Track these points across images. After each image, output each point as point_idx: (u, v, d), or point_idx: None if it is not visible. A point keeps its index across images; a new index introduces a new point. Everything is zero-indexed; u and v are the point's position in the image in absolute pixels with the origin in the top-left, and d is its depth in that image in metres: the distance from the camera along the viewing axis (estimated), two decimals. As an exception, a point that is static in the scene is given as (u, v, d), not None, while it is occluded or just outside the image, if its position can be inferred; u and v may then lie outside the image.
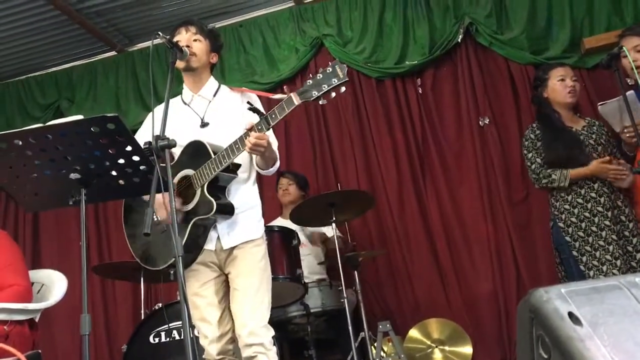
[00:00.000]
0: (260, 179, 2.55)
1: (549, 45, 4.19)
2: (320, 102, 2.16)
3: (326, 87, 2.10)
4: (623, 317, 1.07)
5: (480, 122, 4.26)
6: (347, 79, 2.10)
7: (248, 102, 2.24)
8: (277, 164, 2.47)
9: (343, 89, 2.13)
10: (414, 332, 3.92)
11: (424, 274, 4.19)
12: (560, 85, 3.19)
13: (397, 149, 4.40)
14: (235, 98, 2.56)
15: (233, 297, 2.36)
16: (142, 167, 1.96)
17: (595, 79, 4.08)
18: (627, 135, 2.91)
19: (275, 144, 2.44)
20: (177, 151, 2.42)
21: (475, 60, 4.35)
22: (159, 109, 2.45)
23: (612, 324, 1.05)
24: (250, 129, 2.20)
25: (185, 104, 2.56)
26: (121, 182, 2.03)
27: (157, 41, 2.22)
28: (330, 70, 2.11)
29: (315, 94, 2.12)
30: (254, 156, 2.44)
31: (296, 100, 2.13)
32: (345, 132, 4.52)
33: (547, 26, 4.22)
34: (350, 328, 3.28)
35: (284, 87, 4.60)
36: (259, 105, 2.43)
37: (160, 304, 3.29)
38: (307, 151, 4.58)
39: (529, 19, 4.21)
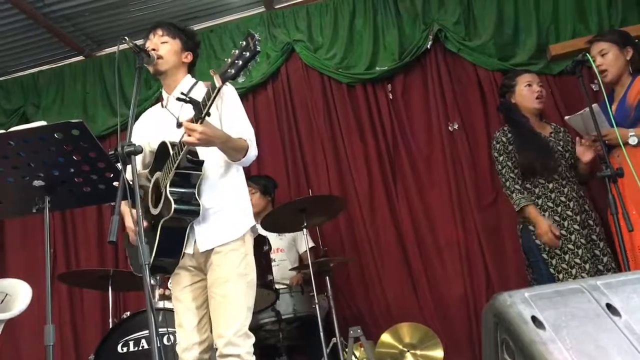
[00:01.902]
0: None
1: (516, 52, 4.25)
2: (240, 80, 2.08)
3: (241, 62, 2.03)
4: (585, 321, 1.09)
5: (449, 128, 4.30)
6: (258, 50, 2.02)
7: (181, 93, 2.14)
8: (251, 153, 2.35)
9: (257, 59, 2.05)
10: (385, 337, 3.92)
11: (395, 279, 4.21)
12: (527, 91, 3.26)
13: (368, 154, 4.41)
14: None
15: (210, 306, 2.31)
16: (107, 174, 1.93)
17: (561, 85, 4.16)
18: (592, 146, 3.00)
19: (244, 133, 2.35)
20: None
21: (445, 66, 4.39)
22: (144, 115, 2.45)
23: (574, 327, 1.07)
24: (190, 121, 2.13)
25: (163, 107, 2.53)
26: (86, 189, 2.00)
27: (123, 46, 2.20)
28: (243, 44, 2.05)
29: (232, 72, 2.04)
30: None
31: (218, 82, 2.06)
32: (317, 137, 4.52)
33: (514, 33, 4.29)
34: (321, 334, 3.27)
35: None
36: (236, 96, 2.42)
37: (128, 313, 3.24)
38: (278, 156, 4.57)
39: (497, 26, 4.28)
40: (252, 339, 2.29)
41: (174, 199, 2.20)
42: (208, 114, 2.11)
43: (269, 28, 4.68)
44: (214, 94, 2.07)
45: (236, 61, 2.04)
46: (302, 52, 4.56)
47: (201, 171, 2.31)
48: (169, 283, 3.09)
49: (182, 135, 2.17)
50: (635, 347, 1.04)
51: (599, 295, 1.13)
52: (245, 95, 4.55)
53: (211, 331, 2.32)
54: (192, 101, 2.11)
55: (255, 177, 4.23)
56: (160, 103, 2.57)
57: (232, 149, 2.29)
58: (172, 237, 2.28)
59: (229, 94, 2.44)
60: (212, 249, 2.32)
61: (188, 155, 2.23)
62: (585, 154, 3.06)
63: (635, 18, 4.15)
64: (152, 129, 2.49)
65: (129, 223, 2.33)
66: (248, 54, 2.02)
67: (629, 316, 1.08)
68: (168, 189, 2.23)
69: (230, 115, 2.41)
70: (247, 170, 2.61)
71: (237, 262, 2.32)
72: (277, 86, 4.68)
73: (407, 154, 4.38)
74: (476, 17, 4.37)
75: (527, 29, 4.26)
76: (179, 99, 2.14)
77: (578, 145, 3.09)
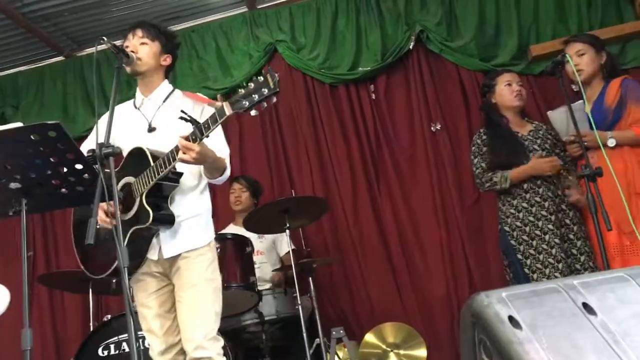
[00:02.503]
0: (213, 185, 2.50)
1: (497, 53, 4.28)
2: (252, 113, 2.09)
3: (257, 97, 2.04)
4: (561, 320, 1.09)
5: (432, 128, 4.32)
6: (277, 90, 2.04)
7: (182, 111, 2.14)
8: (227, 173, 2.40)
9: (274, 99, 2.07)
10: (369, 337, 3.93)
11: (379, 279, 4.21)
12: (507, 90, 3.29)
13: (351, 154, 4.42)
14: (187, 103, 2.48)
15: (178, 310, 2.32)
16: (85, 176, 1.91)
17: (542, 85, 4.19)
18: (571, 148, 3.03)
19: (223, 152, 2.38)
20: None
21: (427, 66, 4.41)
22: (116, 112, 2.41)
23: (550, 327, 1.07)
24: (186, 139, 2.12)
25: (136, 107, 2.51)
26: (64, 191, 1.97)
27: (101, 46, 2.17)
28: (262, 80, 2.05)
29: (246, 104, 2.05)
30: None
31: (228, 110, 2.06)
32: (300, 137, 4.52)
33: (495, 34, 4.31)
34: (305, 335, 3.27)
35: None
36: (210, 113, 2.40)
37: (109, 316, 3.21)
38: (262, 157, 4.56)
39: (478, 27, 4.31)
40: (221, 342, 2.31)
41: (152, 210, 2.20)
42: (207, 136, 2.12)
43: (251, 28, 4.67)
44: (220, 121, 2.08)
45: (253, 95, 2.04)
46: (285, 52, 4.55)
47: (179, 183, 2.33)
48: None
49: (174, 150, 2.16)
50: (610, 346, 1.04)
51: (575, 294, 1.13)
52: (228, 95, 4.52)
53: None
54: (192, 121, 2.12)
55: (246, 176, 4.22)
56: (132, 102, 2.54)
57: (215, 169, 2.34)
58: (137, 244, 2.28)
59: (211, 112, 2.44)
60: (178, 255, 2.33)
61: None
62: (572, 196, 3.09)
63: (614, 19, 4.21)
64: (122, 128, 2.44)
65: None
66: (267, 91, 2.03)
67: (604, 315, 1.09)
68: (145, 198, 2.23)
69: (212, 134, 2.40)
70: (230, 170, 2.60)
71: (205, 267, 2.34)
72: (260, 86, 4.65)
73: (390, 154, 4.39)
74: (458, 18, 4.39)
75: (508, 30, 4.29)
76: (181, 118, 2.14)
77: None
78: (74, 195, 1.99)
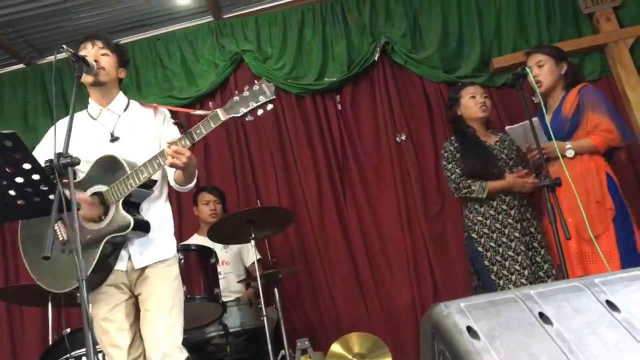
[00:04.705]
0: (178, 194, 2.51)
1: (460, 64, 4.36)
2: (247, 119, 2.15)
3: (254, 104, 2.11)
4: (518, 330, 1.10)
5: (397, 138, 4.36)
6: (274, 97, 2.12)
7: (172, 117, 2.19)
8: (195, 181, 2.44)
9: (270, 106, 2.14)
10: (335, 347, 3.92)
11: (345, 288, 4.22)
12: (471, 102, 3.35)
13: (317, 164, 4.42)
14: (148, 113, 2.50)
15: (144, 319, 2.28)
16: (42, 187, 1.86)
17: (503, 97, 4.28)
18: (531, 156, 3.09)
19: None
20: (84, 167, 2.32)
21: (392, 78, 4.46)
22: (61, 123, 2.36)
23: (507, 337, 1.08)
24: (173, 144, 2.15)
25: (93, 118, 2.47)
26: (20, 202, 1.93)
27: (61, 55, 2.14)
28: (258, 87, 2.12)
29: (242, 110, 2.11)
30: (169, 172, 2.38)
31: (223, 116, 2.12)
32: (266, 147, 4.51)
33: (458, 46, 4.40)
34: (269, 347, 3.24)
35: (210, 103, 4.53)
36: (169, 122, 2.39)
37: (68, 329, 3.12)
38: (227, 167, 4.53)
39: (442, 39, 4.38)
40: (186, 354, 2.30)
41: (131, 215, 2.20)
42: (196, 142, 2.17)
43: (217, 38, 4.64)
44: (215, 127, 2.13)
45: (250, 102, 2.10)
46: (251, 62, 4.54)
47: (153, 191, 2.35)
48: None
49: (158, 156, 2.18)
50: (565, 355, 1.06)
51: (532, 304, 1.15)
52: (193, 104, 4.50)
53: (143, 349, 2.30)
54: (183, 126, 2.20)
55: (215, 187, 4.18)
56: (85, 112, 2.51)
57: (192, 175, 2.37)
58: (110, 253, 2.25)
59: (170, 119, 2.48)
60: (148, 266, 2.32)
61: None
62: (525, 186, 3.15)
63: (573, 33, 4.33)
64: (80, 139, 2.38)
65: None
66: (264, 97, 2.10)
67: (560, 324, 1.11)
68: (121, 205, 2.21)
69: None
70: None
71: (172, 278, 2.36)
72: (226, 96, 4.63)
73: (356, 164, 4.41)
74: (422, 30, 4.46)
75: (470, 43, 4.38)
76: (175, 124, 2.21)
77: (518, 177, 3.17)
78: (31, 207, 1.95)
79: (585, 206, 2.86)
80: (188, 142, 2.15)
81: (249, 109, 2.11)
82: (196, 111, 2.51)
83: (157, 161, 2.18)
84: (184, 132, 2.17)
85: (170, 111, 2.56)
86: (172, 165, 2.17)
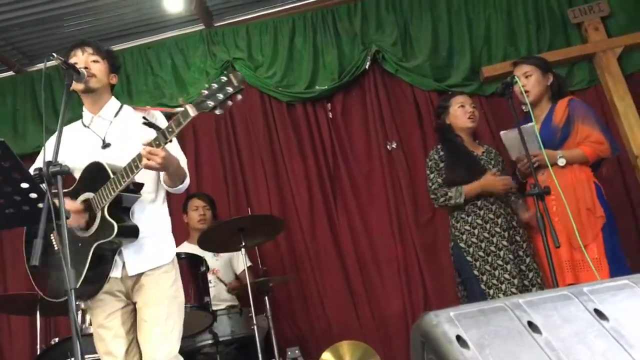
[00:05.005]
0: (167, 200, 2.48)
1: (450, 73, 4.39)
2: (217, 112, 2.06)
3: (222, 96, 2.02)
4: (507, 339, 1.10)
5: (388, 146, 4.37)
6: (242, 87, 2.03)
7: (143, 117, 2.14)
8: (187, 181, 2.39)
9: (239, 97, 2.05)
10: (326, 356, 3.90)
11: (336, 297, 4.21)
12: (460, 111, 3.37)
13: (308, 173, 4.43)
14: (139, 117, 2.45)
15: (140, 328, 2.26)
16: (31, 195, 1.85)
17: (493, 106, 4.31)
18: (521, 165, 3.11)
19: (183, 161, 2.37)
20: (78, 175, 2.34)
21: (383, 86, 4.48)
22: (65, 132, 2.36)
23: (497, 346, 1.08)
24: (148, 145, 2.12)
25: (85, 126, 2.46)
26: (9, 210, 1.91)
27: (51, 62, 2.13)
28: (225, 79, 2.04)
29: (211, 104, 2.02)
30: (161, 175, 2.37)
31: (192, 111, 2.04)
32: (257, 155, 4.51)
33: (448, 55, 4.42)
34: (260, 356, 3.23)
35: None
36: (163, 121, 2.37)
37: (57, 339, 3.10)
38: (218, 174, 4.52)
39: (432, 48, 4.41)
40: None
41: (116, 222, 2.16)
42: (170, 141, 2.11)
43: (208, 46, 4.65)
44: (185, 123, 2.06)
45: (217, 94, 2.02)
46: (242, 70, 4.54)
47: (140, 195, 2.30)
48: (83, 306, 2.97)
49: (135, 159, 2.14)
50: (554, 364, 1.06)
51: (520, 313, 1.15)
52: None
53: (140, 356, 2.26)
54: (154, 126, 2.11)
55: (204, 194, 4.17)
56: (80, 122, 2.50)
57: (177, 175, 2.32)
58: (101, 261, 2.22)
59: (162, 122, 2.42)
60: (142, 273, 2.29)
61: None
62: (524, 215, 3.18)
63: (562, 43, 4.37)
64: (73, 148, 2.40)
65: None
66: (231, 89, 2.02)
67: (548, 333, 1.11)
68: (107, 211, 2.18)
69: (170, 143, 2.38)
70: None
71: (169, 285, 2.32)
72: (217, 103, 4.64)
73: (347, 172, 4.42)
74: (412, 39, 4.49)
75: (461, 52, 4.41)
76: (144, 124, 2.12)
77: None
78: (19, 215, 1.93)
79: (576, 214, 2.89)
80: (161, 142, 2.10)
81: (217, 102, 2.02)
82: (176, 109, 2.47)
83: (135, 164, 2.14)
84: (157, 132, 2.12)
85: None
86: (147, 167, 2.12)
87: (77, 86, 2.34)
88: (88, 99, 2.46)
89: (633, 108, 4.13)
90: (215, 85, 2.04)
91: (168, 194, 2.50)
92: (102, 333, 2.29)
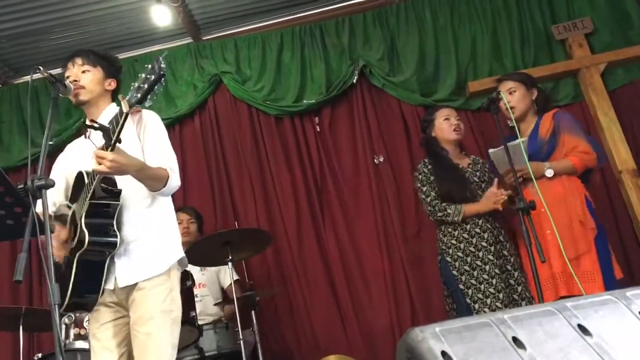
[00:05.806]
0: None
1: (437, 88, 4.43)
2: (147, 105, 1.97)
3: (146, 86, 1.93)
4: (492, 354, 1.11)
5: (375, 161, 4.39)
6: (163, 72, 1.92)
7: (90, 120, 2.04)
8: (173, 184, 2.25)
9: (162, 81, 1.94)
10: (313, 370, 3.89)
11: (323, 311, 4.20)
12: (445, 124, 3.39)
13: (295, 186, 4.43)
14: (131, 121, 2.37)
15: (133, 343, 2.19)
16: (16, 209, 1.84)
17: (479, 120, 4.35)
18: (507, 179, 3.13)
19: (164, 162, 2.26)
20: None
21: (370, 100, 4.51)
22: (68, 148, 2.41)
23: (482, 362, 1.09)
24: (101, 149, 2.03)
25: (86, 137, 2.44)
26: (-7, 224, 1.89)
27: (37, 75, 2.12)
28: (149, 67, 1.95)
29: (138, 96, 1.93)
30: None
31: (125, 107, 1.95)
32: (244, 168, 4.50)
33: (435, 70, 4.47)
34: (246, 370, 3.21)
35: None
36: (155, 122, 2.35)
37: (40, 354, 3.06)
38: (205, 188, 4.51)
39: (419, 63, 4.45)
40: None
41: (87, 230, 2.11)
42: (119, 141, 2.01)
43: (196, 59, 4.66)
44: (122, 120, 1.96)
45: (142, 85, 1.93)
46: (230, 83, 4.55)
47: (119, 201, 2.21)
48: (85, 321, 2.95)
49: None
50: (538, 379, 1.07)
51: (505, 328, 1.15)
52: (172, 125, 4.49)
53: None
54: (101, 128, 2.00)
55: (190, 207, 4.15)
56: (83, 134, 2.49)
57: (149, 178, 2.19)
58: (89, 271, 2.17)
59: (151, 122, 2.38)
60: (135, 285, 2.22)
61: (102, 184, 2.15)
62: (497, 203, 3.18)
63: (547, 58, 4.43)
64: (74, 160, 2.40)
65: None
66: (153, 77, 1.92)
67: (533, 349, 1.11)
68: (83, 220, 2.13)
69: (152, 143, 2.33)
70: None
71: (162, 298, 2.22)
72: (205, 117, 4.65)
73: (335, 186, 4.42)
74: (399, 54, 4.53)
75: (447, 66, 4.45)
76: (86, 126, 2.05)
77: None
78: (3, 229, 1.91)
79: (568, 226, 2.91)
80: (108, 143, 2.00)
81: (143, 94, 1.93)
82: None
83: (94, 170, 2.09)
84: (103, 133, 2.01)
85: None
86: (97, 171, 2.05)
87: (72, 100, 2.34)
88: (87, 110, 2.43)
89: (616, 123, 4.18)
90: (141, 76, 1.96)
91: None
92: (93, 343, 2.26)
